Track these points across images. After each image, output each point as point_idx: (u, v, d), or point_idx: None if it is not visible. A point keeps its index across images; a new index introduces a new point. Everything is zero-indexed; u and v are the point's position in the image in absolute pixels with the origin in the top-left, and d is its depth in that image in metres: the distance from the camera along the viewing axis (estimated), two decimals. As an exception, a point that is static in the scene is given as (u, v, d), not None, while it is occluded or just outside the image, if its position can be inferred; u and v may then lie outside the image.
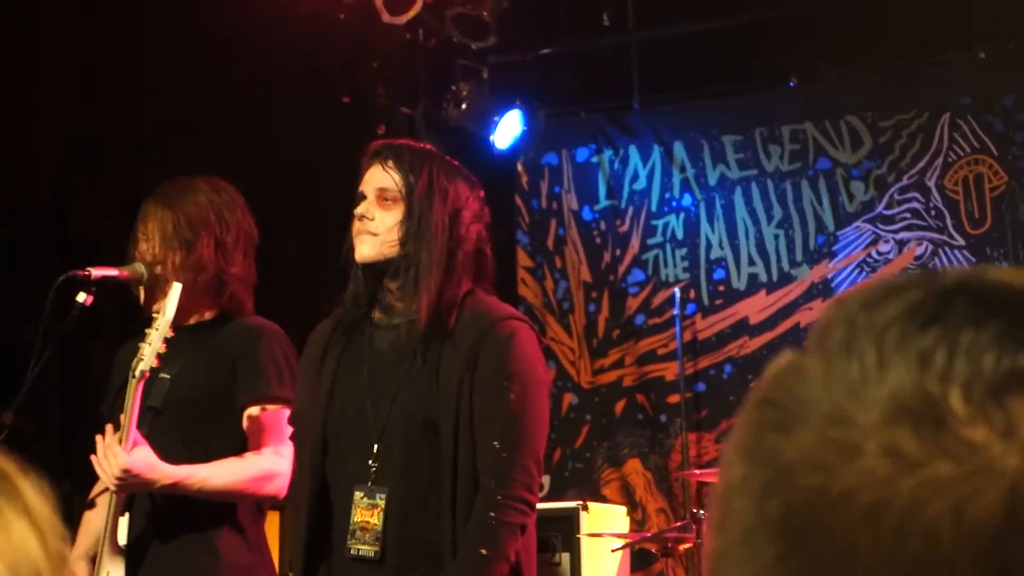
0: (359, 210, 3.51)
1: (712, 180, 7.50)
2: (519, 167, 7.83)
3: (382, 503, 3.34)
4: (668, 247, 7.52)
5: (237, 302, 4.00)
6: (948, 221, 7.06)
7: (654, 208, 7.60)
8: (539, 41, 7.47)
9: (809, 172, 7.32)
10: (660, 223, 7.56)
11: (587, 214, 7.72)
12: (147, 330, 3.74)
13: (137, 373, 3.70)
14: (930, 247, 7.06)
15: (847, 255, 7.18)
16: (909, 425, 0.70)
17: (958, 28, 6.80)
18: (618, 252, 7.62)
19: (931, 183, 7.10)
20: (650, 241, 7.57)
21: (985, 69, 6.90)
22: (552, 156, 7.80)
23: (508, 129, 7.42)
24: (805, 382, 0.75)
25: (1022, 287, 0.74)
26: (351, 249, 3.54)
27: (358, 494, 3.36)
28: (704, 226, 7.48)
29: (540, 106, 7.55)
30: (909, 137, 7.16)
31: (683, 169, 7.56)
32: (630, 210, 7.63)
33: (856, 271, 7.15)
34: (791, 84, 7.24)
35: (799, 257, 7.28)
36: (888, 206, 7.16)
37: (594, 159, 7.73)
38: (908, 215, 7.13)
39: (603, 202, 7.69)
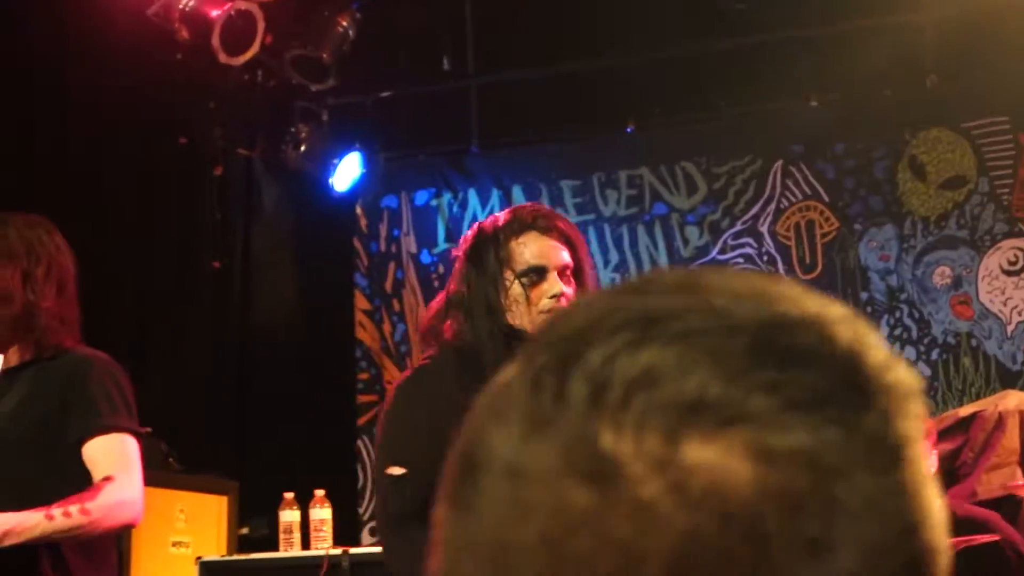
0: (558, 289, 3.53)
1: (550, 224, 7.54)
2: (358, 210, 7.81)
3: None
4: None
5: (51, 337, 3.91)
6: (780, 266, 7.19)
7: (492, 252, 7.61)
8: (379, 84, 7.48)
9: (645, 217, 7.41)
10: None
11: (426, 257, 7.72)
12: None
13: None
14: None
15: (682, 299, 7.25)
16: (582, 479, 0.67)
17: (791, 76, 6.93)
18: (456, 295, 7.62)
19: (764, 229, 7.22)
20: (489, 285, 7.58)
21: (817, 117, 7.04)
22: (391, 199, 7.80)
23: (347, 171, 7.40)
24: (494, 422, 0.71)
25: (686, 301, 0.71)
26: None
27: None
28: (542, 270, 7.51)
29: (379, 149, 7.55)
30: (743, 183, 7.28)
31: (522, 213, 7.59)
32: (469, 253, 7.64)
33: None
34: (628, 130, 7.32)
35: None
36: (722, 251, 7.27)
37: (433, 202, 7.74)
38: (741, 260, 7.24)
39: (442, 245, 7.70)
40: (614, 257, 7.42)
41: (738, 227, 7.27)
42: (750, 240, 7.24)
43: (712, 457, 0.66)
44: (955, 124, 7.00)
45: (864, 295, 7.05)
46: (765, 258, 7.21)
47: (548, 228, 3.57)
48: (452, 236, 7.67)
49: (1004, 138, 6.93)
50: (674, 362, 0.67)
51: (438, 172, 7.72)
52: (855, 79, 6.85)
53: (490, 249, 3.59)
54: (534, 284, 3.55)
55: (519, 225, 3.59)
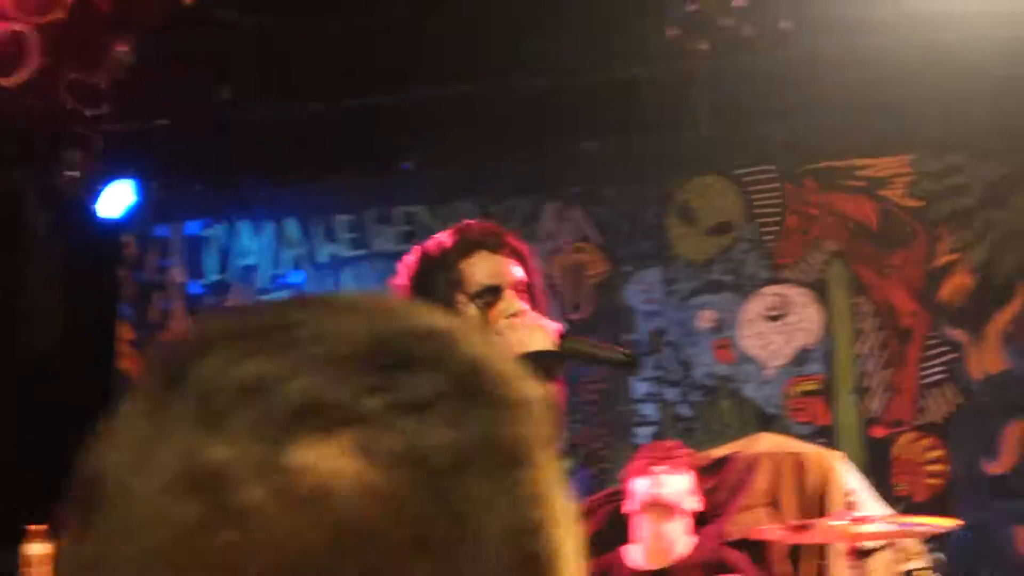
0: (516, 307, 3.36)
1: (323, 258, 7.53)
2: (128, 238, 7.70)
3: None
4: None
5: None
6: (550, 306, 7.26)
7: (263, 284, 7.58)
8: (156, 111, 7.39)
9: (420, 254, 7.42)
10: (268, 299, 7.54)
11: (195, 288, 7.64)
12: None
13: None
14: (533, 331, 7.24)
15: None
16: (190, 492, 0.67)
17: (568, 119, 7.03)
18: (227, 327, 7.55)
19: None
20: (260, 317, 7.53)
21: (592, 159, 7.15)
22: (163, 228, 7.70)
23: (119, 199, 7.29)
24: (110, 449, 0.72)
25: (299, 315, 0.73)
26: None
27: None
28: (315, 303, 7.49)
29: (153, 177, 7.45)
30: (518, 223, 7.36)
31: (294, 246, 7.58)
32: (239, 286, 7.59)
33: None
34: (405, 167, 7.35)
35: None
36: (497, 289, 7.32)
37: (205, 233, 7.67)
38: (513, 299, 7.31)
39: (211, 276, 7.63)
40: (387, 293, 7.42)
41: (511, 266, 7.33)
42: (522, 279, 7.31)
43: (317, 459, 0.67)
44: (725, 171, 7.18)
45: (629, 336, 7.17)
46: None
47: (498, 245, 3.43)
48: (223, 267, 7.60)
49: (772, 186, 7.13)
50: (282, 370, 0.69)
51: (211, 203, 7.65)
52: (630, 124, 6.97)
53: (439, 273, 3.43)
54: (490, 305, 3.39)
55: (467, 245, 3.43)
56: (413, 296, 3.40)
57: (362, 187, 7.49)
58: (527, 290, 3.44)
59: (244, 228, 7.64)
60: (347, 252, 7.53)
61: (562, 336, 3.32)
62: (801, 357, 7.05)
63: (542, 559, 0.71)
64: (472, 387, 0.71)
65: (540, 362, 3.23)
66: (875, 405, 6.94)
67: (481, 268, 3.40)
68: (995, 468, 6.78)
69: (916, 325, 6.94)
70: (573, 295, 7.29)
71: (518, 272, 3.42)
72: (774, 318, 7.10)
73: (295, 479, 0.67)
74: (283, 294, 7.53)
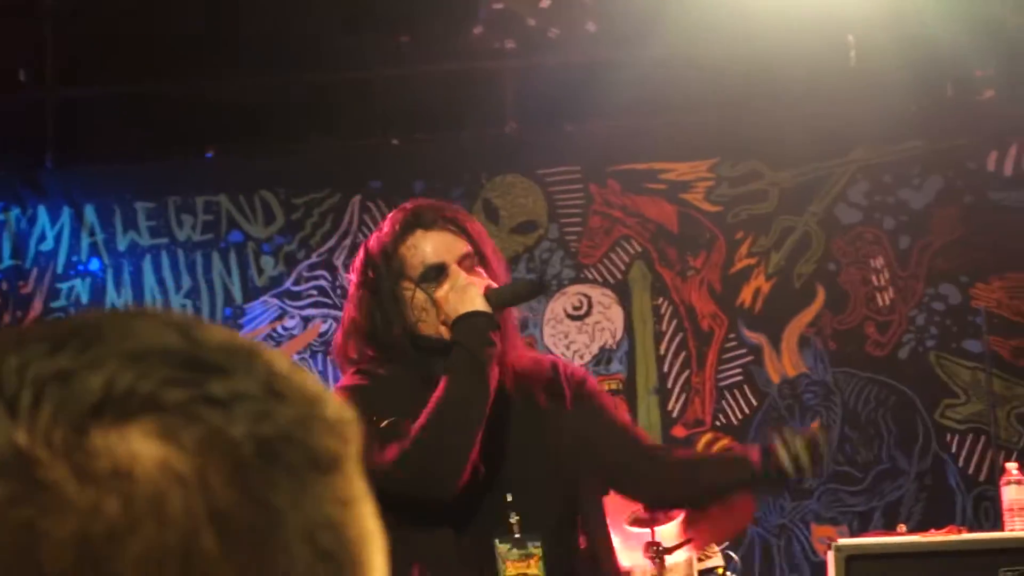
0: (463, 281, 3.27)
1: (122, 246, 7.39)
2: (-83, 221, 7.47)
3: None
4: (73, 311, 7.34)
5: None
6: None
7: (60, 271, 7.41)
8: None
9: (221, 244, 7.35)
10: (65, 286, 7.38)
11: (-11, 273, 7.45)
12: None
13: None
14: (335, 324, 7.21)
15: (253, 328, 7.23)
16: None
17: (372, 113, 7.01)
18: (19, 314, 7.37)
19: (339, 262, 7.27)
20: (54, 304, 7.37)
21: (397, 155, 7.14)
22: (-45, 211, 7.49)
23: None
24: None
25: (108, 319, 0.76)
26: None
27: None
28: (111, 292, 7.36)
29: (-55, 158, 7.24)
30: (320, 216, 7.32)
31: (93, 233, 7.42)
32: (35, 271, 7.41)
33: (263, 345, 7.21)
34: (208, 155, 7.25)
35: (207, 328, 7.26)
36: (296, 282, 7.28)
37: (0, 217, 7.47)
38: (315, 292, 7.27)
39: (6, 262, 7.43)
40: (186, 283, 7.32)
41: (313, 259, 7.29)
42: (324, 273, 7.28)
43: (119, 442, 0.70)
44: (529, 170, 7.23)
45: (434, 333, 7.17)
46: (339, 291, 7.25)
47: (433, 221, 3.29)
48: (18, 253, 7.41)
49: (575, 187, 7.19)
50: (86, 363, 0.72)
51: (8, 187, 7.45)
52: (436, 120, 6.98)
53: (379, 265, 3.31)
54: (438, 285, 3.26)
55: (403, 228, 3.31)
56: (360, 295, 3.36)
57: (164, 175, 7.36)
58: (477, 259, 3.30)
59: (41, 213, 7.45)
60: (147, 241, 7.40)
61: (487, 291, 3.22)
62: (603, 356, 7.13)
63: (343, 560, 0.73)
64: (280, 391, 0.74)
65: (472, 323, 3.18)
66: (675, 405, 7.05)
67: (419, 249, 3.27)
68: (791, 469, 6.93)
69: (715, 327, 7.07)
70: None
71: (461, 244, 3.27)
72: (577, 317, 7.17)
73: (96, 460, 0.69)
74: (81, 280, 7.38)
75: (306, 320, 7.25)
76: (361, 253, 3.43)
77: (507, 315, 3.34)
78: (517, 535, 3.21)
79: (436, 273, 3.28)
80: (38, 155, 7.36)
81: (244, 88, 7.04)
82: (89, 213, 7.43)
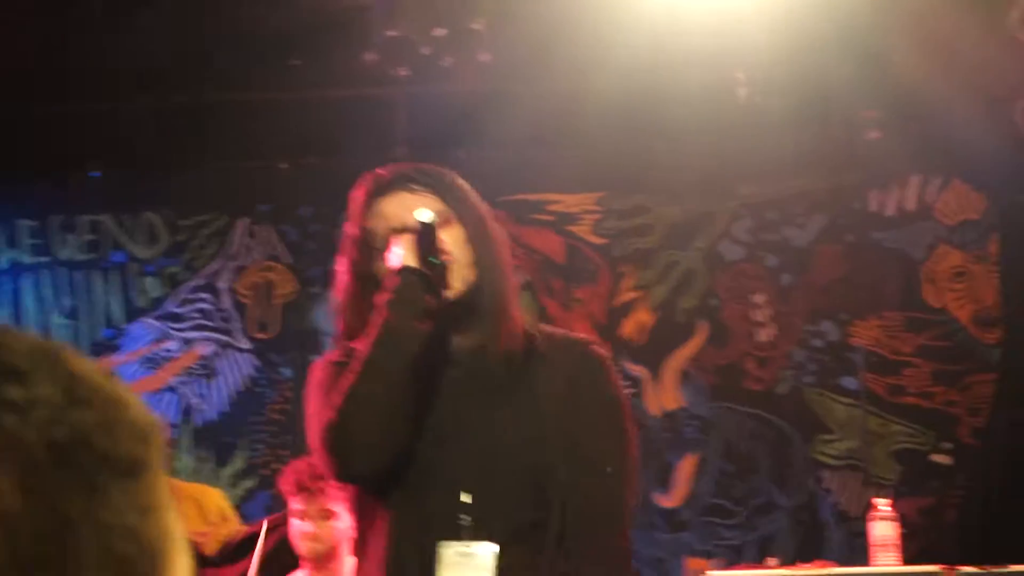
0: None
1: (2, 264, 7.30)
2: None
3: None
4: None
5: None
6: (236, 324, 7.20)
7: (-61, 287, 7.30)
8: None
9: (104, 264, 7.27)
10: None
11: None
12: None
13: None
14: (217, 348, 7.17)
15: (133, 350, 7.16)
16: None
17: (264, 136, 6.97)
18: None
19: (223, 285, 7.22)
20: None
21: (285, 179, 7.11)
22: None
23: None
24: None
25: None
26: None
27: None
28: (-10, 308, 7.27)
29: None
30: (206, 238, 7.27)
31: (-25, 251, 7.33)
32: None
33: (141, 367, 7.14)
34: (94, 174, 7.17)
35: (85, 348, 7.19)
36: (180, 304, 7.22)
37: None
38: (198, 315, 7.21)
39: None
40: (67, 302, 7.24)
41: (197, 281, 7.24)
42: (208, 295, 7.23)
43: None
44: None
45: (315, 357, 7.10)
46: (222, 315, 7.20)
47: (389, 185, 2.94)
48: None
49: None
50: None
51: None
52: (325, 145, 6.96)
53: (360, 247, 2.95)
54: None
55: (368, 198, 2.94)
56: (357, 284, 2.97)
57: (47, 193, 7.28)
58: (460, 218, 2.95)
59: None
60: (28, 259, 7.31)
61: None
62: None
63: (142, 568, 0.73)
64: (79, 397, 0.74)
65: (396, 282, 2.87)
66: (555, 436, 7.05)
67: (384, 217, 2.94)
68: (667, 502, 6.98)
69: (598, 359, 7.08)
70: (261, 314, 7.23)
71: (423, 202, 2.91)
72: (460, 346, 7.16)
73: (32, 402, 0.71)
74: (-43, 298, 7.27)
75: (187, 342, 7.19)
76: (344, 236, 3.04)
77: (499, 279, 2.97)
78: (466, 541, 2.83)
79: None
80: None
81: (131, 108, 6.97)
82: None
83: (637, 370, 7.04)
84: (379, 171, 3.00)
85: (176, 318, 7.22)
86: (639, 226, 7.15)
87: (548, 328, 3.10)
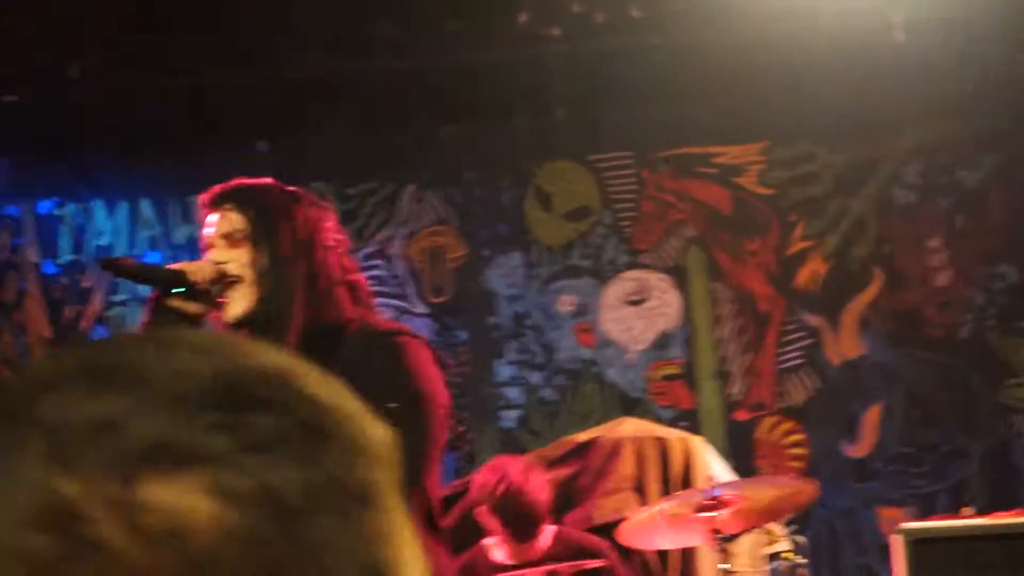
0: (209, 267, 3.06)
1: (180, 239, 7.43)
2: (-25, 218, 7.52)
3: None
4: (133, 304, 7.38)
5: None
6: (411, 289, 7.26)
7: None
8: (4, 88, 7.19)
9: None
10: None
11: (49, 268, 7.49)
12: None
13: None
14: (395, 314, 7.23)
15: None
16: (44, 527, 0.68)
17: (424, 103, 7.00)
18: (80, 308, 7.42)
19: (395, 252, 7.28)
20: (114, 298, 7.41)
21: (449, 143, 7.13)
22: (13, 207, 7.53)
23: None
24: None
25: (142, 354, 0.74)
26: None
27: None
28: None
29: (3, 155, 7.27)
30: (374, 206, 7.33)
31: (150, 226, 7.46)
32: (94, 265, 7.45)
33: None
34: (260, 148, 7.25)
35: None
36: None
37: (57, 212, 7.51)
38: (373, 282, 7.28)
39: (66, 256, 7.48)
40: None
41: (369, 248, 7.31)
42: (381, 262, 7.29)
43: (170, 497, 0.68)
44: (580, 157, 7.22)
45: (491, 320, 7.19)
46: (396, 280, 7.27)
47: (211, 202, 3.21)
48: (77, 247, 7.46)
49: (627, 172, 7.18)
50: (129, 408, 0.70)
51: (63, 182, 7.49)
52: (487, 108, 6.98)
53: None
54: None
55: (201, 219, 3.25)
56: None
57: (217, 167, 7.35)
58: (250, 233, 3.15)
59: (98, 207, 7.49)
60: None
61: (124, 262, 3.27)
62: (662, 341, 7.12)
63: None
64: (317, 428, 0.72)
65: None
66: (736, 389, 7.03)
67: (207, 231, 3.20)
68: (855, 451, 6.92)
69: (773, 310, 7.05)
70: (436, 279, 7.28)
71: (218, 222, 3.16)
72: (634, 303, 7.16)
73: (148, 516, 0.68)
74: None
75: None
76: None
77: (282, 294, 3.14)
78: None
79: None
80: (94, 151, 7.37)
81: (297, 78, 7.01)
82: (145, 207, 7.47)
83: (814, 320, 6.98)
84: (214, 188, 3.23)
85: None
86: (805, 174, 7.08)
87: (373, 321, 3.24)
